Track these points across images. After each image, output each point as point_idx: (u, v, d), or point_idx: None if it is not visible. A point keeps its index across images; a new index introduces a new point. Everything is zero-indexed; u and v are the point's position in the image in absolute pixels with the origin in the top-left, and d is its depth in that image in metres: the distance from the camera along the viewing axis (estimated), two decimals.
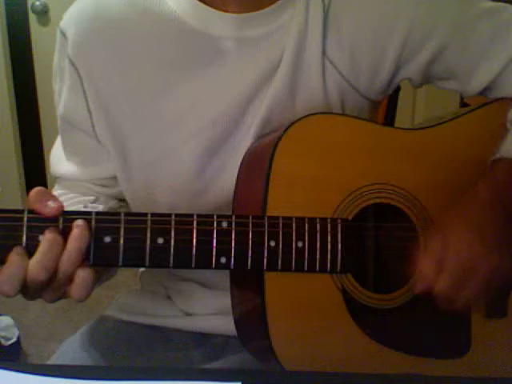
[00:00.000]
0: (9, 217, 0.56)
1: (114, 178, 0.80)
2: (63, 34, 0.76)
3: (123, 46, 0.75)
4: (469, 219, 0.67)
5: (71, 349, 0.81)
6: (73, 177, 0.82)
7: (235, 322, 0.72)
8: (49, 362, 0.81)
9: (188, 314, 0.84)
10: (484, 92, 0.77)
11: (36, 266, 0.55)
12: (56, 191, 0.83)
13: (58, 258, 0.56)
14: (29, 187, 2.38)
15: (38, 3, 2.16)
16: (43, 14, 2.18)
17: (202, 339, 0.84)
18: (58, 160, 0.83)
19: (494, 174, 0.71)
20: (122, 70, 0.75)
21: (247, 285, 0.68)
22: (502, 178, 0.70)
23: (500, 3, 0.76)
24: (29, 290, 0.56)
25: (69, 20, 0.76)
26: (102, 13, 0.75)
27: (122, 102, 0.75)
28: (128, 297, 0.89)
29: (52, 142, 0.86)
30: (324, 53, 0.74)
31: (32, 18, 2.20)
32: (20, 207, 0.59)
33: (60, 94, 0.79)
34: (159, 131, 0.75)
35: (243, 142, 0.74)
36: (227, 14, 0.73)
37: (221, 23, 0.73)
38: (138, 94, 0.75)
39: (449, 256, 0.65)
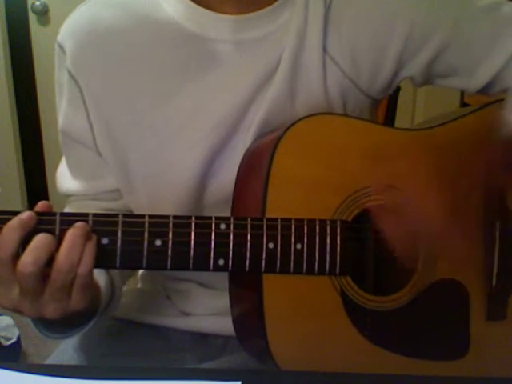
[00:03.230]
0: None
1: (119, 190, 0.80)
2: (61, 47, 0.76)
3: (121, 56, 0.74)
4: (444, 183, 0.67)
5: (69, 347, 0.81)
6: (79, 192, 0.81)
7: (233, 322, 0.72)
8: (47, 361, 0.81)
9: (187, 314, 0.84)
10: (486, 88, 0.77)
11: (26, 258, 0.55)
12: None
13: (48, 253, 0.55)
14: (29, 187, 2.38)
15: (38, 3, 2.16)
16: (43, 14, 2.19)
17: (201, 339, 0.84)
18: (63, 178, 0.83)
19: None
20: (122, 81, 0.74)
21: (245, 285, 0.68)
22: None
23: None
24: (24, 292, 0.56)
25: (66, 33, 0.76)
26: (99, 24, 0.75)
27: (123, 113, 0.75)
28: (127, 296, 0.88)
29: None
30: (325, 50, 0.73)
31: (32, 17, 2.20)
32: (20, 207, 0.59)
33: (59, 109, 0.79)
34: (161, 141, 0.74)
35: (242, 142, 0.74)
36: (225, 16, 0.73)
37: (219, 26, 0.73)
38: (139, 105, 0.74)
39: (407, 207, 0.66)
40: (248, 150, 0.72)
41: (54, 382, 0.56)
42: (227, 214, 0.70)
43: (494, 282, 0.73)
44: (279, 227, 0.63)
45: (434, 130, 0.75)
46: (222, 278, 0.70)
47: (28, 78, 2.25)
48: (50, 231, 0.57)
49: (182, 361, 0.81)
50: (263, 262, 0.63)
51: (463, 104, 1.73)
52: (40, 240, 0.55)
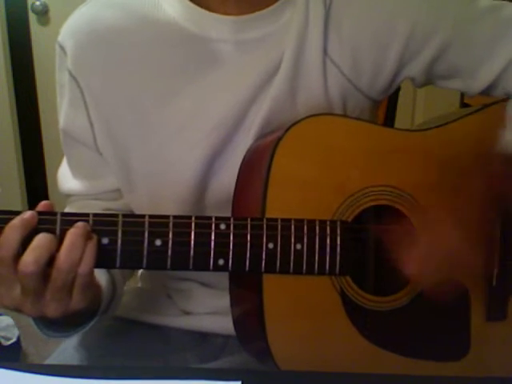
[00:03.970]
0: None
1: (120, 190, 0.81)
2: (62, 48, 0.76)
3: (122, 56, 0.74)
4: (462, 216, 0.67)
5: (70, 347, 0.81)
6: (80, 192, 0.81)
7: (234, 322, 0.72)
8: (47, 360, 0.81)
9: (187, 313, 0.84)
10: (487, 90, 0.77)
11: (28, 257, 0.55)
12: None
13: (49, 252, 0.56)
14: (29, 188, 2.38)
15: (38, 3, 2.16)
16: (43, 14, 2.19)
17: (202, 339, 0.84)
18: (65, 177, 0.83)
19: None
20: (123, 81, 0.74)
21: (245, 286, 0.68)
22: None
23: (500, 0, 0.76)
24: (26, 291, 0.56)
25: (66, 34, 0.76)
26: (99, 24, 0.75)
27: (124, 113, 0.75)
28: (127, 295, 0.88)
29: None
30: (325, 51, 0.73)
31: (32, 17, 2.20)
32: (20, 207, 0.59)
33: (61, 109, 0.79)
34: (162, 141, 0.74)
35: (243, 142, 0.74)
36: (226, 17, 0.73)
37: (219, 27, 0.73)
38: (140, 104, 0.74)
39: (435, 251, 0.66)
40: (249, 150, 0.72)
41: (55, 382, 0.56)
42: (229, 213, 0.70)
43: (494, 282, 0.73)
44: (279, 227, 0.63)
45: (434, 130, 0.75)
46: (223, 278, 0.71)
47: (28, 78, 2.25)
48: (51, 231, 0.57)
49: (182, 360, 0.81)
50: (263, 262, 0.63)
51: (463, 104, 1.74)
52: (41, 239, 0.56)
